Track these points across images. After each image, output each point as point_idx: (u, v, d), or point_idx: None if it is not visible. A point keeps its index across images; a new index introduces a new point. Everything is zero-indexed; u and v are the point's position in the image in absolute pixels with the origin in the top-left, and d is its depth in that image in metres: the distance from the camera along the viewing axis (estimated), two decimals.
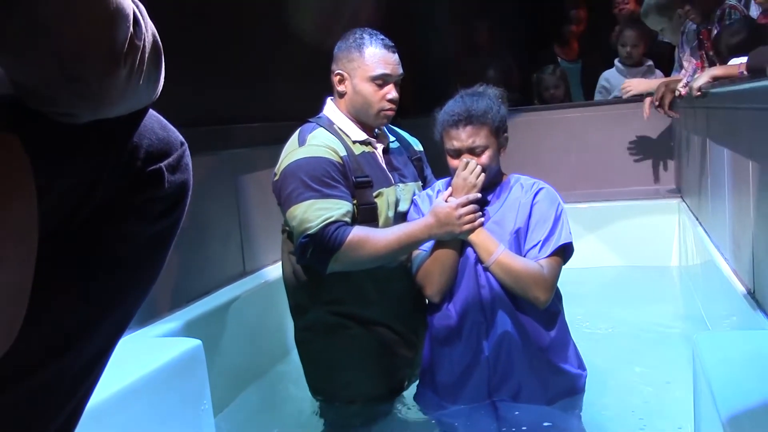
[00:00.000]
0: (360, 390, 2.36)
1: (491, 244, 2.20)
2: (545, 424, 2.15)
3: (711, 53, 3.26)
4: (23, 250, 0.73)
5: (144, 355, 1.87)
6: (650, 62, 4.88)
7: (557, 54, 5.94)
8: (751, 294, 2.11)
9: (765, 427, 1.32)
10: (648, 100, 4.21)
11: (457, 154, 2.25)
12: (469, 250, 2.23)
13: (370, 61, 2.33)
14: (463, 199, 2.20)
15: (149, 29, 0.77)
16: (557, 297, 2.26)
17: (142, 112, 0.85)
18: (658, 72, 4.81)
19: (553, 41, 6.04)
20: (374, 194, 2.31)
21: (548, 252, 2.19)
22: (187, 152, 0.92)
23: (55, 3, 0.68)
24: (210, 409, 1.96)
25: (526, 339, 2.19)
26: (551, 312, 2.23)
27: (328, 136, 2.32)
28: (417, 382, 2.39)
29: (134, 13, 0.74)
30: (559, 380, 2.22)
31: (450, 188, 2.26)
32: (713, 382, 1.51)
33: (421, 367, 2.35)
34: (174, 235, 0.93)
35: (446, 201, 2.22)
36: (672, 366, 2.56)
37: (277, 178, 2.30)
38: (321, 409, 2.42)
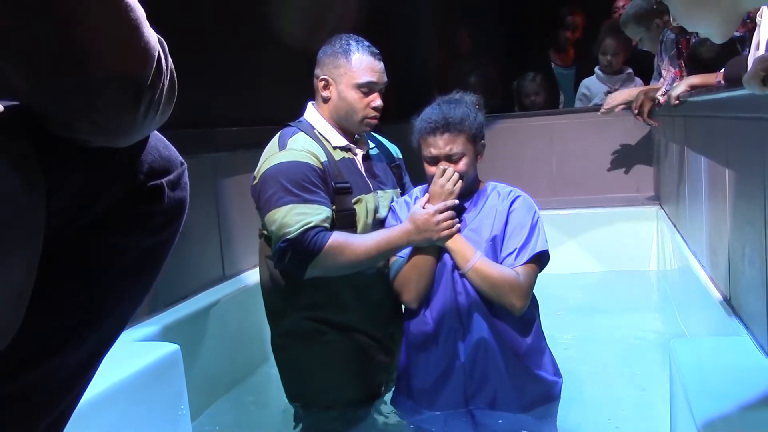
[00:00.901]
0: (337, 395, 2.36)
1: (468, 250, 2.21)
2: (521, 431, 2.16)
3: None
4: (29, 252, 0.75)
5: (122, 358, 1.86)
6: (630, 70, 4.93)
7: (552, 60, 5.96)
8: (727, 301, 2.14)
9: None
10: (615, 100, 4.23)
11: (435, 161, 2.25)
12: (446, 256, 2.24)
13: (356, 68, 2.33)
14: (440, 205, 2.20)
15: (169, 67, 0.80)
16: (533, 304, 2.26)
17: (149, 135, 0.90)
18: (637, 80, 4.85)
19: (544, 47, 6.06)
20: (353, 200, 2.30)
21: (524, 259, 2.19)
22: (186, 171, 0.96)
23: (92, 34, 0.70)
24: (187, 414, 1.95)
25: (502, 345, 2.20)
26: (527, 319, 2.23)
27: (309, 140, 2.30)
28: (394, 387, 2.39)
29: (159, 53, 0.77)
30: (534, 387, 2.22)
31: (427, 195, 2.26)
32: (689, 387, 1.53)
33: (397, 372, 2.36)
34: (169, 249, 0.96)
35: (423, 207, 2.22)
36: (649, 372, 2.58)
37: (256, 182, 2.28)
38: (298, 415, 2.41)
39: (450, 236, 2.21)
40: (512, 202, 2.28)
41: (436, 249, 2.24)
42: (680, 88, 2.86)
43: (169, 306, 2.41)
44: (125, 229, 0.88)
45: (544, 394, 2.24)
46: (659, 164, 4.45)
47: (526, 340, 2.22)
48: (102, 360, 0.95)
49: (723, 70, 2.47)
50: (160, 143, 0.92)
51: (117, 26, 0.72)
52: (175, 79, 0.84)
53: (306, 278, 2.19)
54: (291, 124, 2.39)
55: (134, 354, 1.90)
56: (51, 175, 0.76)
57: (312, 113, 2.41)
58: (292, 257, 2.15)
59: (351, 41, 2.36)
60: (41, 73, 0.70)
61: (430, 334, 2.24)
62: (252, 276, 2.94)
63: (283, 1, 3.59)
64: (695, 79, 2.85)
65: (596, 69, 5.04)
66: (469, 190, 2.30)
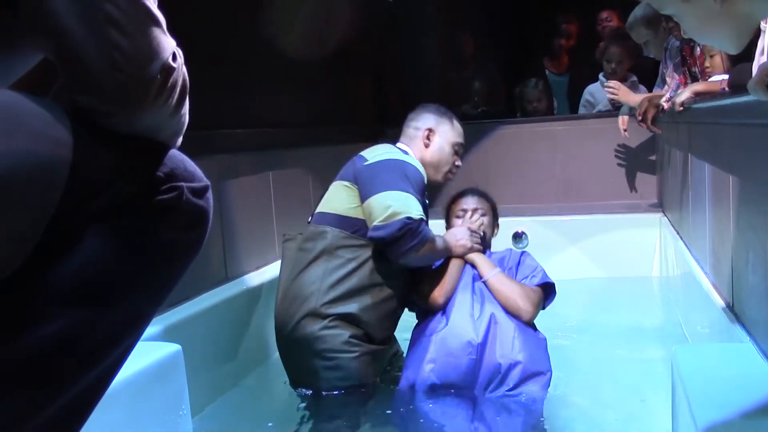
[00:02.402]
0: (341, 379, 2.50)
1: (490, 264, 2.69)
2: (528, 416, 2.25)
3: (693, 69, 3.29)
4: (47, 196, 0.84)
5: None
6: (634, 77, 4.92)
7: (546, 67, 5.98)
8: (730, 307, 2.13)
9: None
10: (622, 118, 4.24)
11: (464, 213, 2.87)
12: (468, 269, 2.68)
13: (456, 131, 2.91)
14: (472, 226, 2.80)
15: (182, 70, 0.96)
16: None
17: (169, 146, 1.00)
18: (642, 87, 4.85)
19: (541, 54, 6.08)
20: None
21: (536, 282, 2.65)
22: (211, 191, 1.04)
23: (131, 13, 0.90)
24: (188, 414, 1.95)
25: (508, 345, 2.45)
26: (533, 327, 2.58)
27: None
28: (398, 373, 2.59)
29: (175, 51, 0.95)
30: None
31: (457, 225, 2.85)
32: (691, 394, 1.52)
33: (405, 360, 2.56)
34: (191, 254, 1.02)
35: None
36: (651, 379, 2.57)
37: (369, 162, 2.67)
38: (301, 402, 2.47)
39: (479, 249, 2.73)
40: (521, 254, 2.81)
41: (462, 261, 2.69)
42: (684, 94, 2.86)
43: (172, 306, 2.41)
44: (142, 216, 0.93)
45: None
46: (663, 171, 4.44)
47: (530, 347, 2.48)
48: (121, 350, 0.98)
49: (728, 77, 2.47)
50: (186, 161, 1.01)
51: (146, 21, 0.91)
52: (187, 86, 0.98)
53: (400, 261, 2.55)
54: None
55: (136, 353, 1.89)
56: (77, 143, 0.87)
57: (408, 149, 2.85)
58: (407, 233, 2.50)
59: (447, 111, 2.96)
60: (90, 33, 0.88)
61: (445, 329, 2.49)
62: (255, 278, 2.94)
63: (288, 5, 3.59)
64: (699, 86, 2.85)
65: (600, 76, 5.04)
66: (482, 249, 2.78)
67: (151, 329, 2.21)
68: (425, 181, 2.74)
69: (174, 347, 1.96)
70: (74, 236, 0.89)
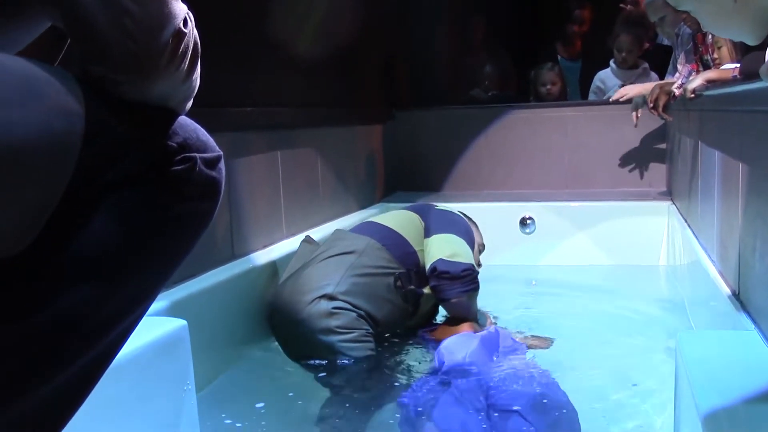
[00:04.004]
0: (352, 348, 2.54)
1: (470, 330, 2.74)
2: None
3: (705, 57, 3.27)
4: (60, 168, 0.83)
5: None
6: (646, 65, 4.90)
7: (558, 52, 5.95)
8: (736, 295, 2.13)
9: (743, 427, 1.33)
10: (636, 110, 4.22)
11: None
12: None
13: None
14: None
15: (193, 34, 0.95)
16: None
17: (178, 113, 0.98)
18: (653, 74, 4.83)
19: (554, 39, 6.05)
20: None
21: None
22: (223, 160, 1.03)
23: None
24: (193, 389, 1.96)
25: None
26: None
27: None
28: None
29: (186, 16, 0.93)
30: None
31: None
32: (694, 380, 1.52)
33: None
34: (202, 225, 1.00)
35: None
36: (654, 364, 2.58)
37: (440, 208, 3.02)
38: (309, 374, 2.52)
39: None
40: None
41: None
42: (696, 81, 2.84)
43: (178, 283, 2.42)
44: (155, 188, 0.92)
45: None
46: (672, 159, 4.43)
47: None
48: (126, 324, 0.97)
49: (739, 65, 2.46)
50: (199, 130, 1.00)
51: None
52: (199, 50, 0.96)
53: (447, 297, 2.72)
54: None
55: (142, 328, 1.90)
56: (89, 113, 0.86)
57: None
58: (466, 278, 2.70)
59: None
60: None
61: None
62: (262, 256, 2.95)
63: None
64: (711, 74, 2.84)
65: (611, 62, 5.02)
66: None
67: (158, 305, 2.22)
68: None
69: (180, 322, 1.96)
70: (87, 209, 0.87)
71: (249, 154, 2.97)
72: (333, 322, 2.52)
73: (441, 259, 2.69)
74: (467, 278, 2.70)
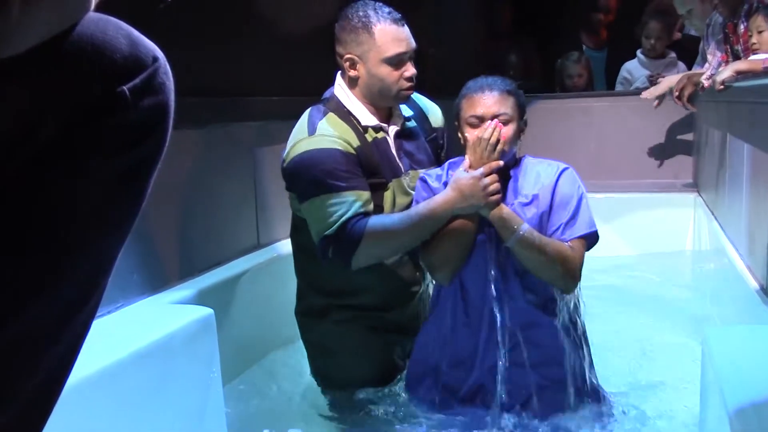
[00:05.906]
0: (354, 375, 2.34)
1: (514, 220, 1.98)
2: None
3: (736, 47, 3.23)
4: None
5: (156, 320, 1.90)
6: (673, 54, 4.84)
7: (583, 41, 5.89)
8: (764, 290, 2.11)
9: None
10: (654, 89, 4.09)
11: (479, 122, 2.04)
12: (484, 229, 2.05)
13: (381, 41, 2.17)
14: (486, 168, 2.01)
15: None
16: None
17: (82, 24, 0.73)
18: (681, 64, 4.77)
19: (579, 28, 5.99)
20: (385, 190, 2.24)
21: (574, 235, 2.02)
22: (162, 69, 0.79)
23: None
24: (219, 376, 1.98)
25: (537, 337, 2.05)
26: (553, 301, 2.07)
27: (339, 122, 2.21)
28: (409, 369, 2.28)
29: None
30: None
31: (468, 157, 2.06)
32: (722, 376, 1.51)
33: (413, 356, 2.24)
34: (151, 168, 0.80)
35: (467, 171, 2.04)
36: (681, 359, 2.56)
37: (285, 164, 2.22)
38: (320, 390, 2.44)
39: (498, 203, 2.00)
40: (559, 176, 2.10)
41: (477, 219, 2.03)
42: (726, 73, 2.80)
43: (204, 271, 2.44)
44: (84, 151, 0.73)
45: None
46: (699, 151, 4.38)
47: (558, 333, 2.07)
48: (91, 313, 0.81)
49: None
50: (123, 39, 0.75)
51: None
52: None
53: (354, 268, 2.12)
54: (319, 101, 2.31)
55: (169, 316, 1.94)
56: None
57: (341, 89, 2.28)
58: (334, 252, 2.10)
59: (368, 11, 2.19)
60: None
61: (458, 315, 2.10)
62: (287, 245, 2.95)
63: None
64: (741, 65, 2.80)
65: (638, 52, 4.96)
66: (507, 167, 2.11)
67: (184, 293, 2.25)
68: (354, 144, 2.19)
69: (206, 311, 1.98)
70: (16, 186, 0.71)
71: (274, 143, 2.98)
72: None
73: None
74: (327, 253, 2.15)
